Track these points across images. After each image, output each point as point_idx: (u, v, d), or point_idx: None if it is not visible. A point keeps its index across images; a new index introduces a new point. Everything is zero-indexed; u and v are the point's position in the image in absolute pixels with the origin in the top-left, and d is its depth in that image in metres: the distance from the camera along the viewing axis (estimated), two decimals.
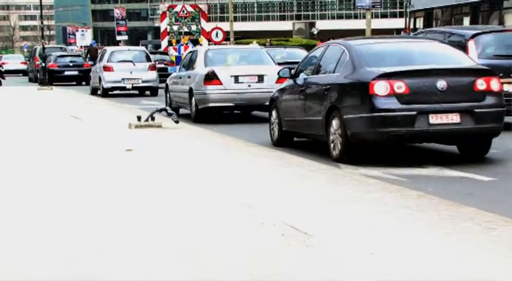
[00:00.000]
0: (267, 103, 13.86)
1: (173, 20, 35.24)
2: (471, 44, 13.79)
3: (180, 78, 18.92)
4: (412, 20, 25.93)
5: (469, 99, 10.01)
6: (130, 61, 28.55)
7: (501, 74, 13.11)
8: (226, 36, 40.68)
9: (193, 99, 17.42)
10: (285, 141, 12.49)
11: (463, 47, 13.54)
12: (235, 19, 76.70)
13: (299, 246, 5.35)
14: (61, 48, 53.71)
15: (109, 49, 30.70)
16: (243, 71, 17.34)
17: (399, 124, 9.80)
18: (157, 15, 78.54)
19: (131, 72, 28.14)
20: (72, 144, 11.90)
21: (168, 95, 20.15)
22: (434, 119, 9.82)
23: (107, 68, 28.18)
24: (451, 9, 23.66)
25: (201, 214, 6.49)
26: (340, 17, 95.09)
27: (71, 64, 39.23)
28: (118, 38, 75.74)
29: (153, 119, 14.38)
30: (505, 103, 10.47)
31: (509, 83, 13.76)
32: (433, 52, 11.26)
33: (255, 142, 12.54)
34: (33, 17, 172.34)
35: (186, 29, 35.34)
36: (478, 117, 9.95)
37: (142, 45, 57.19)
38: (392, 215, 6.39)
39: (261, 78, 17.16)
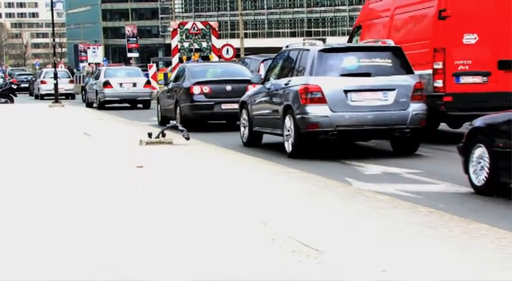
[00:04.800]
0: (138, 99, 31.90)
1: (184, 37, 35.36)
2: (261, 66, 21.83)
3: (92, 85, 33.59)
4: None
5: (243, 95, 16.65)
6: (58, 77, 40.45)
7: None
8: (237, 53, 40.72)
9: (98, 96, 31.86)
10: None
11: (259, 66, 22.35)
12: (246, 36, 76.86)
13: (310, 263, 5.33)
14: (22, 69, 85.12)
15: (44, 70, 52.66)
16: (125, 80, 31.98)
17: (205, 109, 18.73)
18: (168, 33, 78.79)
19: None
20: (83, 160, 11.92)
21: (86, 95, 35.54)
22: (224, 106, 18.61)
23: (42, 82, 46.84)
24: None
25: (209, 230, 6.48)
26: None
27: (25, 80, 60.72)
28: (129, 55, 75.96)
29: (163, 135, 14.40)
30: None
31: None
32: (231, 70, 20.69)
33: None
34: (45, 35, 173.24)
35: (196, 46, 35.45)
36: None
37: (153, 62, 57.49)
38: (403, 232, 6.36)
39: (135, 85, 31.88)
